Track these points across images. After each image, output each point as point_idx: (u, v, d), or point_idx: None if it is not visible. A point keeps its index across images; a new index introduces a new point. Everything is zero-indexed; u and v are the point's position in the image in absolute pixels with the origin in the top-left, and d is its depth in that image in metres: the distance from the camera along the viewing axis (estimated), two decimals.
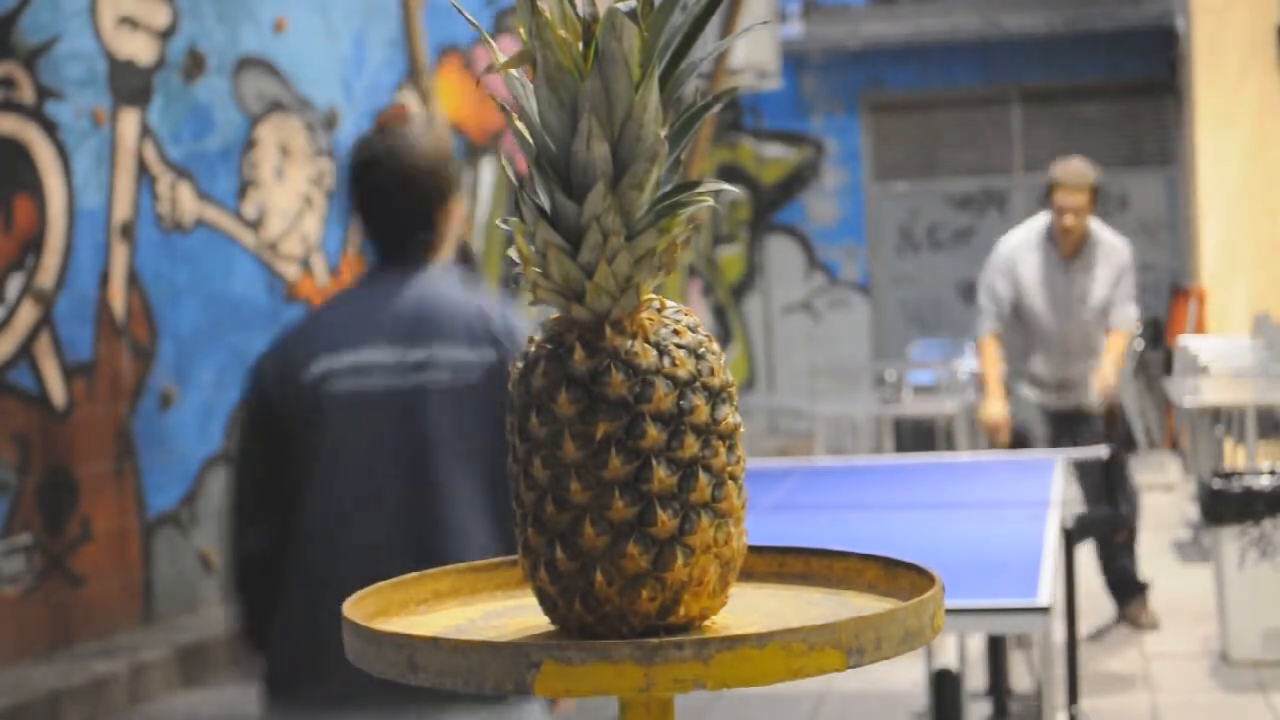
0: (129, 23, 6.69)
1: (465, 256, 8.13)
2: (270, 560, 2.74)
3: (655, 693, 1.13)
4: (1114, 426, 6.48)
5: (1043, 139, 13.57)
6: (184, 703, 6.09)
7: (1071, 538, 3.98)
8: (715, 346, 1.28)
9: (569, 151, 1.21)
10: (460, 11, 1.25)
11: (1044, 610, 2.94)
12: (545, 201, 1.24)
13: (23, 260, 6.07)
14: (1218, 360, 8.57)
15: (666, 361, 1.23)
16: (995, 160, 13.73)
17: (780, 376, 14.04)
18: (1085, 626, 6.16)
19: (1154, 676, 5.75)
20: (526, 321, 2.84)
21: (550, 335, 1.26)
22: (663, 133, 1.21)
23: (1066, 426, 6.48)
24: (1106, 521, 5.09)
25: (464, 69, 9.64)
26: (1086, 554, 6.49)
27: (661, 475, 1.21)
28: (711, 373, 1.25)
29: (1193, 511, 8.78)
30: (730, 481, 1.25)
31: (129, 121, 6.67)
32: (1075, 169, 6.30)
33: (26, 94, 6.13)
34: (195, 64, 7.11)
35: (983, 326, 6.47)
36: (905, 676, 5.73)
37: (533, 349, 1.26)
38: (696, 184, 1.24)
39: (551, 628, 1.27)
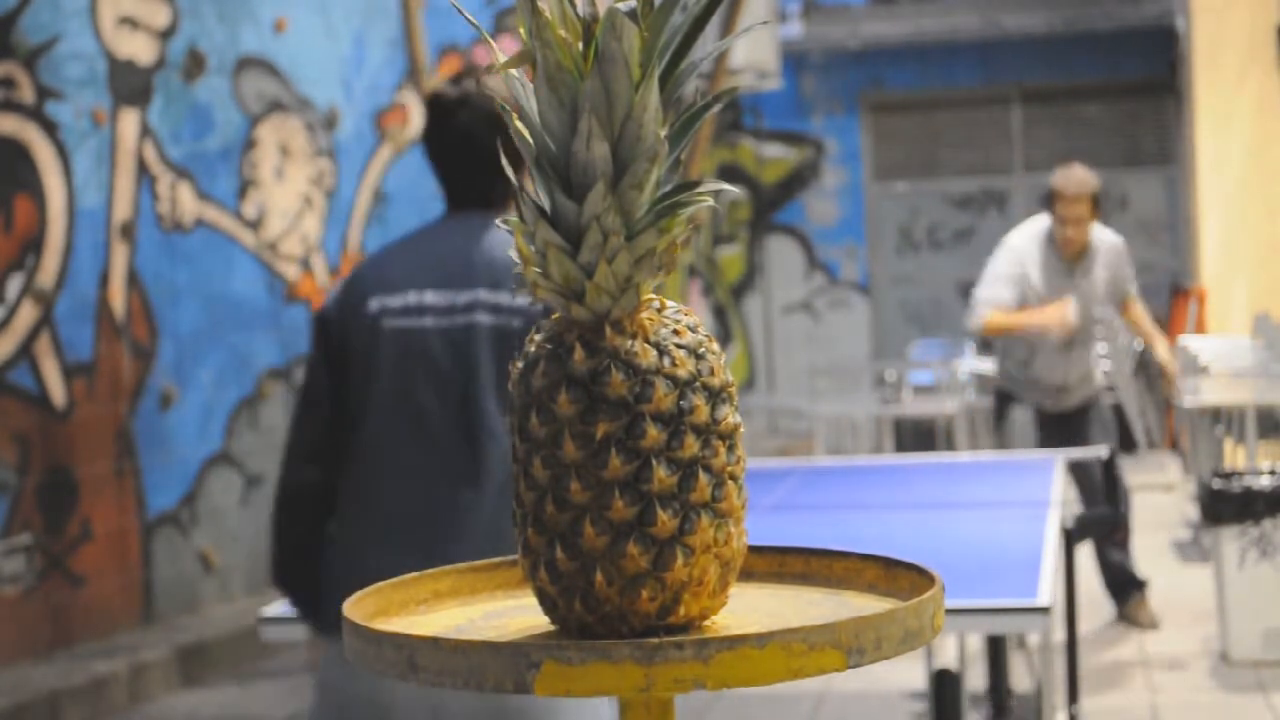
0: (129, 23, 6.69)
1: None
2: (322, 495, 2.86)
3: (655, 693, 1.13)
4: (1119, 419, 6.52)
5: (1043, 139, 13.57)
6: (184, 703, 6.09)
7: (1071, 538, 3.98)
8: (715, 346, 1.28)
9: (569, 151, 1.21)
10: (460, 11, 1.25)
11: (1044, 610, 2.94)
12: (545, 201, 1.24)
13: (23, 260, 6.07)
14: (1218, 360, 8.57)
15: (666, 361, 1.23)
16: (995, 160, 13.73)
17: (780, 376, 14.04)
18: (1085, 626, 6.16)
19: (1154, 676, 5.75)
20: None
21: (550, 335, 1.26)
22: (663, 133, 1.21)
23: (1066, 427, 6.45)
24: (1106, 521, 5.09)
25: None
26: (1086, 554, 6.49)
27: (661, 475, 1.21)
28: (711, 373, 1.25)
29: (1193, 511, 8.78)
30: (730, 481, 1.25)
31: (129, 121, 6.67)
32: (1077, 179, 6.26)
33: (26, 94, 6.13)
34: (195, 64, 7.11)
35: (982, 311, 6.38)
36: (905, 676, 5.73)
37: (533, 349, 1.26)
38: (696, 184, 1.24)
39: (551, 628, 1.27)
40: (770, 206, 14.10)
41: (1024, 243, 6.43)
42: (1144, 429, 11.64)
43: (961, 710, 3.95)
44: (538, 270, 1.24)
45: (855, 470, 5.54)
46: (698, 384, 1.24)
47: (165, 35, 6.93)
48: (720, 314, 14.12)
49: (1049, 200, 6.32)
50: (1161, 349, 6.67)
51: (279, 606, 3.20)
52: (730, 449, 1.26)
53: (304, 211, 7.95)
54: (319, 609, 2.86)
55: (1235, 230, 10.97)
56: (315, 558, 2.86)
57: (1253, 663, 5.72)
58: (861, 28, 13.50)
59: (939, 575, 1.28)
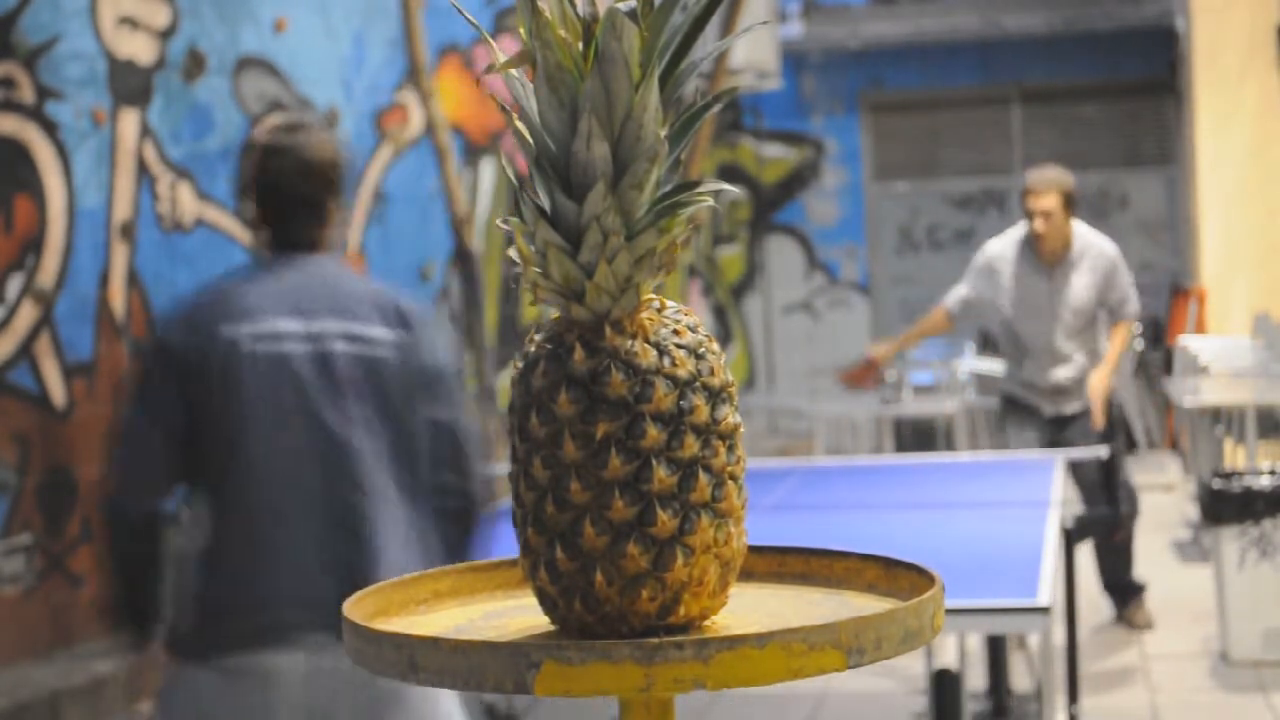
0: (129, 23, 6.69)
1: (465, 257, 8.13)
2: (155, 526, 2.92)
3: (655, 693, 1.13)
4: (1110, 425, 6.42)
5: (1043, 139, 13.56)
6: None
7: (1071, 538, 3.98)
8: (715, 346, 1.28)
9: (569, 151, 1.21)
10: (460, 11, 1.25)
11: (1044, 610, 2.94)
12: (545, 201, 1.24)
13: (23, 260, 6.07)
14: (1218, 360, 8.56)
15: (666, 361, 1.23)
16: (995, 160, 13.73)
17: (780, 376, 14.04)
18: (1085, 626, 6.16)
19: (1154, 676, 5.75)
20: (421, 310, 3.11)
21: (550, 335, 1.26)
22: (663, 133, 1.21)
23: (1060, 430, 6.43)
24: (1106, 521, 5.09)
25: (464, 69, 9.64)
26: (1086, 554, 6.49)
27: (661, 475, 1.21)
28: (711, 373, 1.25)
29: (1193, 511, 8.78)
30: (730, 481, 1.25)
31: (129, 121, 6.67)
32: (1043, 173, 6.32)
33: (26, 94, 6.13)
34: (195, 64, 7.11)
35: (946, 299, 6.59)
36: (905, 676, 5.73)
37: (533, 349, 1.26)
38: (696, 184, 1.24)
39: (551, 628, 1.27)
40: (770, 206, 14.09)
41: (1001, 244, 6.48)
42: (1144, 429, 11.64)
43: (961, 710, 3.95)
44: (538, 270, 1.24)
45: (855, 470, 5.54)
46: (698, 384, 1.24)
47: (165, 35, 6.93)
48: (720, 314, 14.12)
49: (1022, 198, 6.35)
50: (1097, 377, 6.30)
51: None
52: (730, 449, 1.26)
53: None
54: (175, 633, 2.92)
55: (1235, 230, 10.97)
56: (157, 583, 2.93)
57: (1253, 663, 5.72)
58: (861, 28, 13.50)
59: (939, 575, 1.28)
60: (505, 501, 3.48)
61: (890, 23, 13.48)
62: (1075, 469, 6.14)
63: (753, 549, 1.37)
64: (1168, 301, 12.70)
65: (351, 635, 1.25)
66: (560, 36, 1.19)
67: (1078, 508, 5.33)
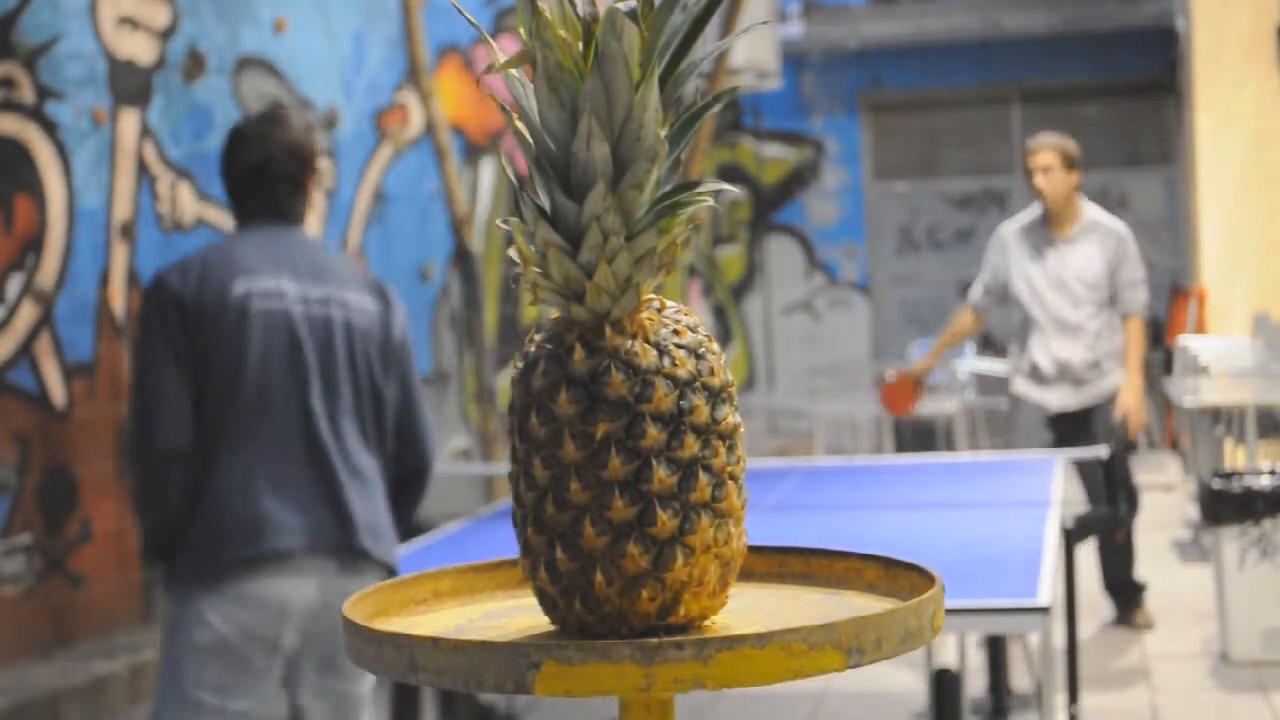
0: (129, 23, 6.69)
1: (465, 257, 8.13)
2: (181, 462, 3.14)
3: (655, 693, 1.13)
4: (1122, 423, 6.38)
5: None
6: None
7: (1071, 538, 3.98)
8: (715, 346, 1.28)
9: (569, 151, 1.21)
10: (460, 11, 1.25)
11: (1044, 610, 2.94)
12: (545, 201, 1.24)
13: (23, 260, 6.07)
14: (1218, 360, 8.56)
15: (666, 361, 1.23)
16: (995, 160, 13.73)
17: (780, 376, 14.04)
18: (1085, 626, 6.16)
19: (1154, 676, 5.75)
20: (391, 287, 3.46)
21: (550, 335, 1.26)
22: (663, 133, 1.21)
23: (1070, 430, 6.41)
24: (1106, 521, 5.09)
25: (464, 69, 9.64)
26: (1086, 554, 6.49)
27: (661, 475, 1.21)
28: (711, 373, 1.25)
29: (1193, 511, 8.78)
30: (730, 481, 1.25)
31: (129, 121, 6.67)
32: (1043, 136, 6.41)
33: (26, 94, 6.13)
34: (195, 64, 7.11)
35: (968, 296, 6.64)
36: (905, 676, 5.73)
37: (533, 349, 1.26)
38: (696, 184, 1.24)
39: (551, 628, 1.27)
40: (770, 206, 14.09)
41: (1013, 223, 6.55)
42: (1144, 429, 11.64)
43: (961, 710, 3.95)
44: (538, 270, 1.24)
45: (855, 470, 5.54)
46: (698, 384, 1.24)
47: (165, 35, 6.93)
48: (720, 314, 14.12)
49: (1025, 165, 6.41)
50: (1129, 395, 6.25)
51: None
52: (730, 449, 1.26)
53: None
54: (197, 559, 3.14)
55: (1235, 230, 10.97)
56: (185, 518, 3.14)
57: (1253, 663, 5.72)
58: (861, 28, 13.50)
59: (939, 575, 1.28)
60: (505, 501, 3.52)
61: (890, 23, 13.48)
62: (1083, 468, 6.13)
63: (753, 549, 1.37)
64: (1168, 301, 12.70)
65: (352, 635, 1.25)
66: (560, 36, 1.19)
67: (1082, 507, 5.33)
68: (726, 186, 1.25)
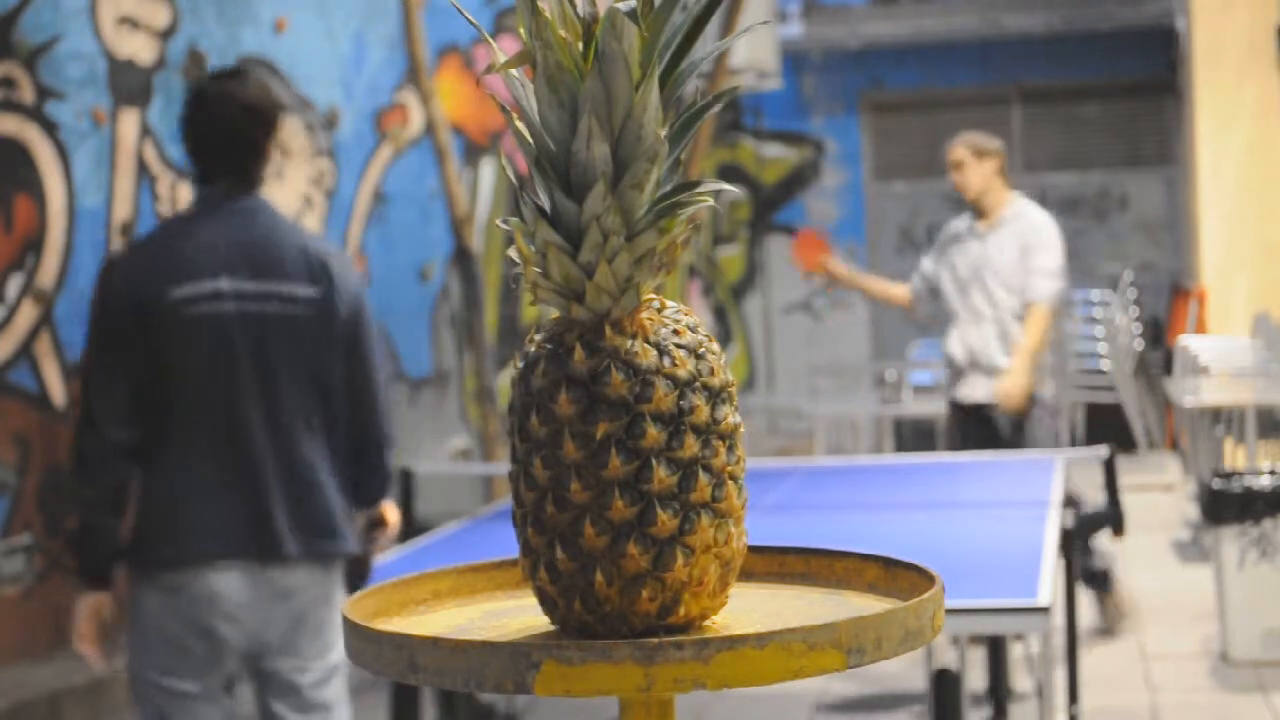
0: (129, 23, 6.69)
1: (465, 257, 8.13)
2: (123, 456, 3.20)
3: (655, 693, 1.13)
4: (1021, 432, 6.12)
5: (1043, 139, 13.56)
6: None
7: (1071, 538, 3.98)
8: (715, 346, 1.28)
9: (569, 151, 1.21)
10: (460, 11, 1.25)
11: (1044, 610, 2.94)
12: (545, 201, 1.24)
13: (23, 260, 6.07)
14: (1218, 360, 8.56)
15: (666, 361, 1.23)
16: None
17: (780, 376, 14.04)
18: (1085, 627, 6.16)
19: (1154, 676, 5.75)
20: (345, 259, 3.43)
21: (550, 335, 1.26)
22: (663, 133, 1.21)
23: (970, 428, 6.32)
24: (1106, 521, 5.08)
25: (464, 69, 9.64)
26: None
27: (661, 475, 1.21)
28: (711, 373, 1.25)
29: (1193, 511, 8.78)
30: (730, 481, 1.25)
31: (129, 121, 6.67)
32: (961, 136, 6.66)
33: (26, 94, 6.13)
34: (195, 64, 7.11)
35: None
36: (905, 676, 5.73)
37: (533, 349, 1.26)
38: (696, 184, 1.24)
39: (551, 628, 1.27)
40: (770, 206, 14.09)
41: (957, 219, 6.69)
42: (1144, 429, 11.64)
43: (961, 710, 3.95)
44: (538, 270, 1.24)
45: (855, 470, 5.53)
46: (698, 384, 1.24)
47: (165, 35, 6.93)
48: (720, 314, 14.11)
49: None
50: (1009, 378, 6.05)
51: None
52: (730, 449, 1.26)
53: (304, 211, 7.95)
54: (135, 551, 3.24)
55: (1235, 230, 10.97)
56: (120, 515, 3.22)
57: (1253, 663, 5.72)
58: (861, 28, 13.50)
59: (939, 575, 1.28)
60: (505, 501, 3.51)
61: (890, 23, 13.48)
62: (986, 426, 6.10)
63: (753, 549, 1.37)
64: (1168, 301, 12.70)
65: (352, 635, 1.25)
66: (560, 36, 1.19)
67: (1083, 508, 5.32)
68: (726, 186, 1.25)
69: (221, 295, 3.22)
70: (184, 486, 3.21)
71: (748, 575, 1.38)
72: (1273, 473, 5.89)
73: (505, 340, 9.67)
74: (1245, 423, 7.14)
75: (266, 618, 3.25)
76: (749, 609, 1.32)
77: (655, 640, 1.13)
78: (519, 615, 1.34)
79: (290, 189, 7.84)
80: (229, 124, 3.30)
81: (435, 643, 1.17)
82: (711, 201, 1.23)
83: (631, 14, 1.18)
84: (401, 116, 8.84)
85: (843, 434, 11.58)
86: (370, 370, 3.37)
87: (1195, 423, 8.33)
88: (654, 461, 1.21)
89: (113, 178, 6.57)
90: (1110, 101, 13.48)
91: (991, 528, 3.87)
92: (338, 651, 3.38)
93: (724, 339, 13.95)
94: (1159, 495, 9.64)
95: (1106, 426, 11.29)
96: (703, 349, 1.26)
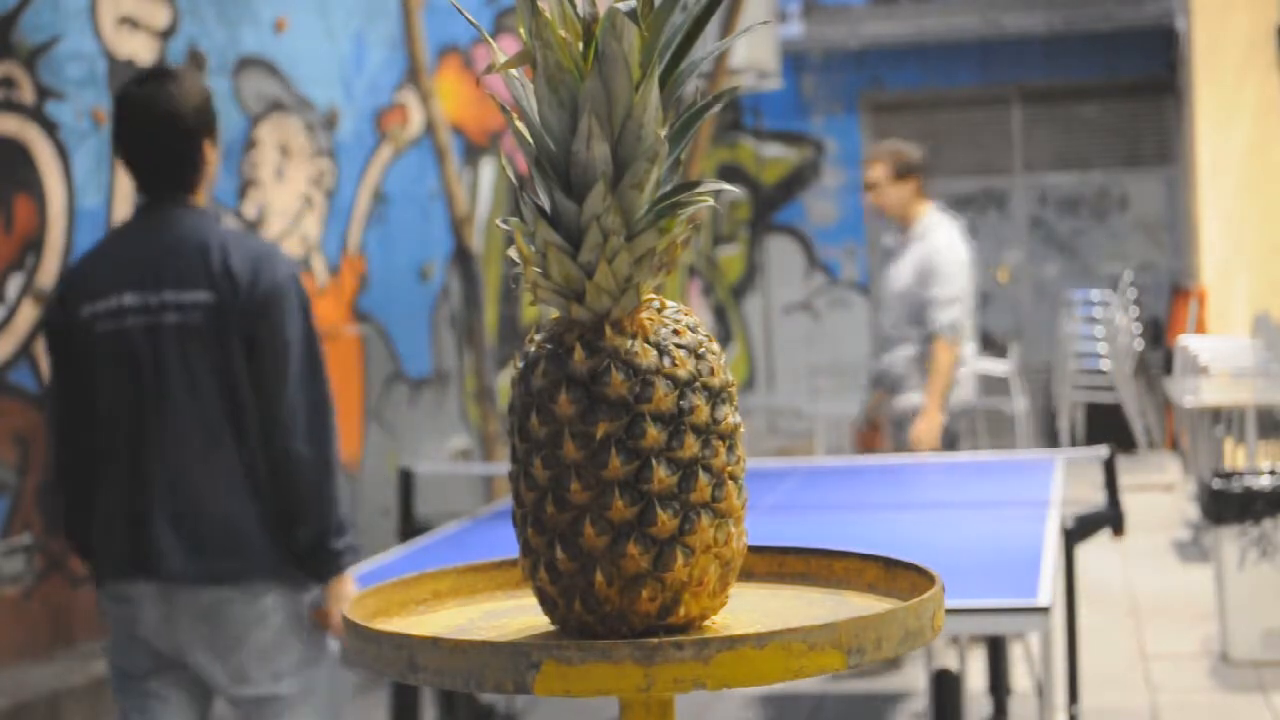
0: (129, 23, 6.69)
1: (465, 257, 8.13)
2: (88, 466, 3.24)
3: (655, 693, 1.13)
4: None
5: (1043, 139, 13.56)
6: None
7: (1071, 538, 3.98)
8: (715, 346, 1.28)
9: (569, 151, 1.21)
10: (460, 11, 1.25)
11: (1044, 610, 2.94)
12: (545, 201, 1.24)
13: (23, 260, 6.07)
14: (1218, 360, 8.56)
15: (666, 361, 1.23)
16: (995, 160, 13.73)
17: (780, 376, 14.03)
18: (1085, 626, 6.16)
19: (1154, 676, 5.75)
20: (262, 255, 3.22)
21: (550, 335, 1.26)
22: (663, 133, 1.21)
23: (871, 441, 6.21)
24: (1107, 521, 5.08)
25: (464, 69, 9.64)
26: (1086, 554, 6.48)
27: (661, 475, 1.21)
28: (711, 373, 1.25)
29: (1193, 511, 8.78)
30: (730, 481, 1.25)
31: None
32: (879, 146, 6.49)
33: (26, 94, 6.13)
34: (195, 64, 7.11)
35: None
36: (905, 676, 5.73)
37: (533, 349, 1.26)
38: (696, 184, 1.24)
39: (551, 628, 1.27)
40: (770, 206, 14.09)
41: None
42: (1144, 429, 11.64)
43: (961, 710, 3.94)
44: (538, 270, 1.24)
45: (855, 470, 5.53)
46: (698, 384, 1.24)
47: (165, 35, 6.93)
48: (720, 314, 14.11)
49: None
50: (920, 422, 5.84)
51: None
52: (730, 449, 1.26)
53: (304, 212, 7.95)
54: (93, 566, 3.30)
55: (1235, 230, 10.97)
56: (88, 518, 3.26)
57: (1253, 663, 5.72)
58: (861, 28, 13.50)
59: (939, 575, 1.28)
60: (505, 501, 3.49)
61: (890, 23, 13.48)
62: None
63: (753, 549, 1.37)
64: (1168, 301, 12.70)
65: (352, 635, 1.25)
66: (560, 36, 1.19)
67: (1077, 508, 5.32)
68: (726, 186, 1.25)
69: (125, 310, 3.15)
70: (101, 503, 3.22)
71: (748, 575, 1.38)
72: (1273, 473, 5.89)
73: (505, 340, 9.67)
74: (1245, 423, 7.14)
75: (190, 636, 3.17)
76: (749, 609, 1.32)
77: (655, 640, 1.13)
78: (519, 615, 1.34)
79: (290, 189, 7.84)
80: (151, 133, 3.16)
81: (435, 643, 1.17)
82: (711, 201, 1.23)
83: (631, 14, 1.18)
84: (401, 116, 8.84)
85: (843, 434, 11.58)
86: (276, 374, 3.13)
87: (1195, 423, 8.33)
88: (654, 461, 1.21)
89: (113, 178, 6.57)
90: (1110, 101, 13.48)
91: (991, 528, 3.87)
92: (291, 683, 3.21)
93: (724, 339, 13.95)
94: (1159, 495, 9.64)
95: (1106, 426, 11.29)
96: (703, 349, 1.26)
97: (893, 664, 5.85)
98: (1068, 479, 4.69)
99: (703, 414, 1.23)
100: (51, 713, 5.59)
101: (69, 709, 5.66)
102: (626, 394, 1.21)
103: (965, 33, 13.34)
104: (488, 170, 9.81)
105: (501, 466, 6.46)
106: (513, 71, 1.24)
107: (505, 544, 1.38)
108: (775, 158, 14.07)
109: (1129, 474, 8.66)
